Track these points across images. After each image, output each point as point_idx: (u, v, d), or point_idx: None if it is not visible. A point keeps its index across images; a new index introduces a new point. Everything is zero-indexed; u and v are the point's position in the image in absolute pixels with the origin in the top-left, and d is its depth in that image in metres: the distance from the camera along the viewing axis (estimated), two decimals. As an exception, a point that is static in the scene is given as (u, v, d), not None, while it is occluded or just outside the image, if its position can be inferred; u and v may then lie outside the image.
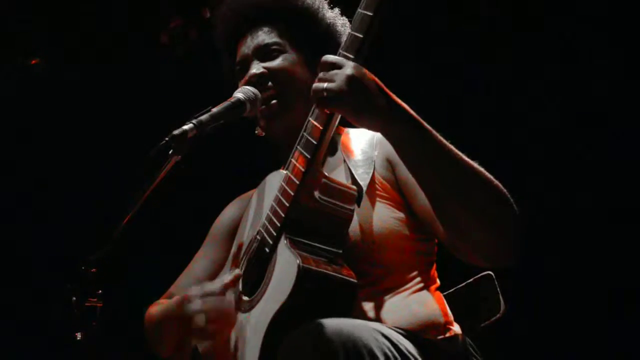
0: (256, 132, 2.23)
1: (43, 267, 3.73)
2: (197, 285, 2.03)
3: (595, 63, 3.18)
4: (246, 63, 2.20)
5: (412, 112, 1.81)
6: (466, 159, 1.81)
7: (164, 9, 3.61)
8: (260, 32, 2.20)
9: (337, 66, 1.80)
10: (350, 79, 1.76)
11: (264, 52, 2.18)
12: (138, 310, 2.32)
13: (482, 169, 1.82)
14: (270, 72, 2.15)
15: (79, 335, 1.93)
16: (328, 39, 2.20)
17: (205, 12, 3.36)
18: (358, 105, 1.78)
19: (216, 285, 1.96)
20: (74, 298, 1.94)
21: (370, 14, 1.79)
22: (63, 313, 1.96)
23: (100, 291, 1.95)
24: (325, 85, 1.78)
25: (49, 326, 3.47)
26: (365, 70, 1.80)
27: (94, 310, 1.94)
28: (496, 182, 1.82)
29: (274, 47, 2.18)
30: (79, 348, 1.92)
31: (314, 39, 2.19)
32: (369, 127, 1.85)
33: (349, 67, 1.78)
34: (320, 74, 1.82)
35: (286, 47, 2.18)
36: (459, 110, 3.35)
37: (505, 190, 1.82)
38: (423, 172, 1.83)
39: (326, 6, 2.24)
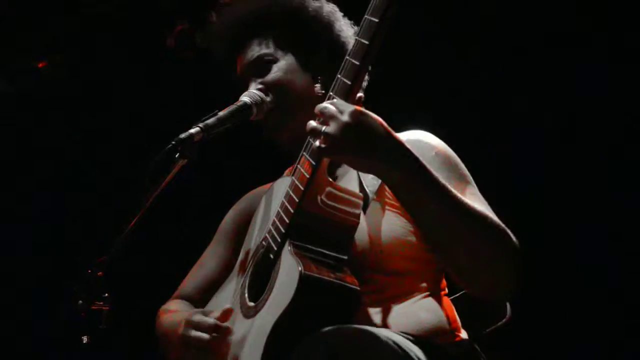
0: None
1: (49, 271, 3.73)
2: (202, 297, 2.11)
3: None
4: (245, 80, 2.19)
5: (411, 154, 1.79)
6: (466, 201, 1.81)
7: (170, 12, 3.62)
8: (253, 46, 2.18)
9: (337, 111, 1.76)
10: (346, 126, 1.74)
11: (259, 66, 2.16)
12: (145, 313, 2.33)
13: (481, 211, 1.82)
14: (267, 86, 2.14)
15: (85, 339, 1.93)
16: (323, 38, 2.17)
17: (211, 16, 3.36)
18: (353, 154, 1.77)
19: (210, 320, 1.94)
20: (81, 301, 1.94)
21: (377, 20, 1.78)
22: (69, 316, 1.96)
23: (106, 294, 1.95)
24: (323, 129, 1.75)
25: (55, 329, 3.47)
26: (365, 112, 1.77)
27: (101, 314, 1.94)
28: (497, 222, 1.83)
29: (266, 58, 2.15)
30: (85, 351, 1.92)
31: (308, 40, 2.17)
32: (366, 172, 1.88)
33: (346, 114, 1.75)
34: (319, 110, 1.79)
35: (279, 54, 2.16)
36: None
37: (506, 230, 1.82)
38: (421, 217, 1.83)
39: (320, 3, 2.20)
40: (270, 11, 2.18)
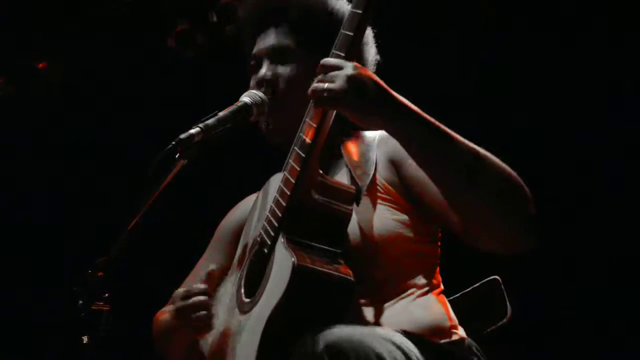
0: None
1: (49, 271, 3.73)
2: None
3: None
4: (259, 61, 2.19)
5: (413, 107, 1.83)
6: (473, 146, 1.82)
7: (170, 12, 3.62)
8: (274, 32, 2.18)
9: (337, 68, 1.82)
10: (350, 78, 1.79)
11: (276, 54, 2.16)
12: (145, 314, 2.33)
13: (489, 155, 1.83)
14: (278, 78, 2.14)
15: (85, 339, 1.94)
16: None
17: (212, 15, 3.37)
18: (359, 104, 1.80)
19: (180, 290, 1.99)
20: (81, 301, 1.95)
21: (360, 11, 1.82)
22: (70, 316, 1.96)
23: (107, 295, 1.95)
24: (325, 85, 1.80)
25: (55, 330, 3.48)
26: (365, 70, 1.83)
27: (101, 314, 1.94)
28: (505, 165, 1.83)
29: (286, 49, 2.15)
30: (85, 352, 1.92)
31: (329, 38, 2.17)
32: (372, 126, 1.88)
33: (349, 68, 1.80)
34: (320, 76, 1.84)
35: (298, 50, 2.15)
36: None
37: (515, 173, 1.83)
38: (432, 164, 1.85)
39: (345, 6, 2.19)
40: (305, 6, 2.18)
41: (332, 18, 2.16)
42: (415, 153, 1.86)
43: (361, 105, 1.80)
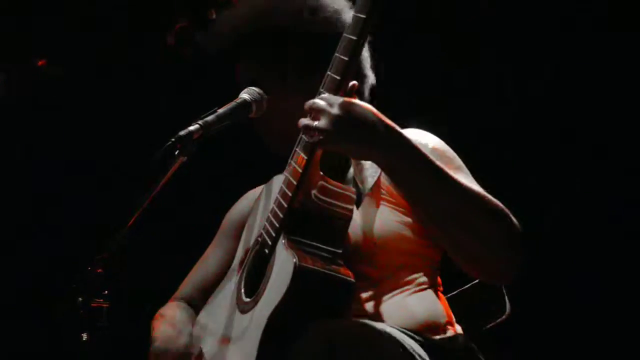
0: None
1: (48, 267, 3.74)
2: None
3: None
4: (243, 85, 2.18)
5: (407, 138, 1.82)
6: (462, 181, 1.83)
7: (169, 10, 3.62)
8: (243, 65, 2.19)
9: (327, 103, 1.80)
10: (337, 118, 1.78)
11: (255, 79, 2.14)
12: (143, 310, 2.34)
13: (480, 191, 1.85)
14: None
15: (84, 336, 1.94)
16: (324, 42, 2.09)
17: (211, 13, 3.36)
18: (344, 146, 1.82)
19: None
20: (80, 299, 1.95)
21: (364, 16, 1.82)
22: (69, 314, 1.97)
23: (106, 292, 1.96)
24: (314, 124, 1.80)
25: (55, 327, 3.48)
26: (355, 102, 1.81)
27: (101, 311, 1.94)
28: (496, 202, 1.85)
29: (261, 77, 2.14)
30: (85, 349, 1.93)
31: (306, 45, 2.12)
32: (364, 159, 1.92)
33: (335, 107, 1.79)
34: (310, 102, 1.83)
35: (273, 72, 2.14)
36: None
37: (505, 210, 1.85)
38: (420, 201, 1.85)
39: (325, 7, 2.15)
40: (274, 26, 2.14)
41: (306, 25, 2.12)
42: (400, 188, 1.89)
43: (348, 146, 1.81)
